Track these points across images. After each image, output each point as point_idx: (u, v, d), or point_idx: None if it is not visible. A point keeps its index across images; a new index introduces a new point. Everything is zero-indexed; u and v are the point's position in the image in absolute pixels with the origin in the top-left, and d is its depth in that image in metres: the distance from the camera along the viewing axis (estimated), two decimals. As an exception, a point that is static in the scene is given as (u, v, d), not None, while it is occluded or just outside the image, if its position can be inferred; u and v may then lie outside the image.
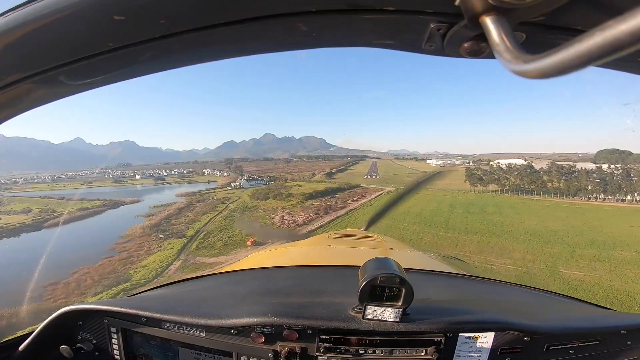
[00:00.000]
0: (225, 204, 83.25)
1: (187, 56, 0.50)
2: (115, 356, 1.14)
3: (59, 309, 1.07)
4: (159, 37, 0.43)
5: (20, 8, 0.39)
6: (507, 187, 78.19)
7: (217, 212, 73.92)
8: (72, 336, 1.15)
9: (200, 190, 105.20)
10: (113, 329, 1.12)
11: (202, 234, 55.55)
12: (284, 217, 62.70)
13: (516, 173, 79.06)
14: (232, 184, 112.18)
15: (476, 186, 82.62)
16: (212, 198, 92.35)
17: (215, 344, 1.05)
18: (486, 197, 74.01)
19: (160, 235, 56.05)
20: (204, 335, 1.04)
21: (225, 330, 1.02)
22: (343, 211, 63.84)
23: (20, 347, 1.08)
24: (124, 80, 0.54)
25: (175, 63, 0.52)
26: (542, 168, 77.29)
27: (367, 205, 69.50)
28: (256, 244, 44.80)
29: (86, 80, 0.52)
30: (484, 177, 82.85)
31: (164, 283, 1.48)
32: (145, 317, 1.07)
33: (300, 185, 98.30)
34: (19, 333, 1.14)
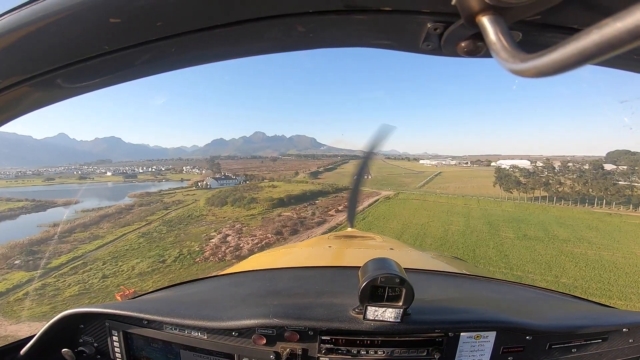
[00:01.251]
0: (169, 211, 60.28)
1: (184, 58, 0.50)
2: (117, 359, 1.15)
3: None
4: (156, 39, 0.43)
5: (16, 11, 0.39)
6: (560, 194, 55.49)
7: (144, 224, 50.65)
8: (73, 339, 1.15)
9: (160, 190, 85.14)
10: (114, 332, 1.12)
11: (69, 267, 32.12)
12: (227, 238, 39.32)
13: (575, 176, 56.27)
14: (199, 184, 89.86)
15: (511, 192, 60.12)
16: (162, 201, 70.08)
17: (216, 346, 1.05)
18: (534, 209, 51.32)
19: (17, 262, 34.77)
20: (205, 337, 1.05)
21: (226, 332, 1.03)
22: (320, 228, 40.31)
23: (22, 351, 1.08)
24: (122, 82, 0.54)
25: (172, 65, 0.51)
26: (615, 169, 54.96)
27: (357, 219, 46.43)
28: (136, 296, 22.40)
29: (84, 82, 0.51)
30: (523, 181, 60.13)
31: (165, 285, 1.48)
32: (146, 319, 1.07)
33: (275, 187, 75.45)
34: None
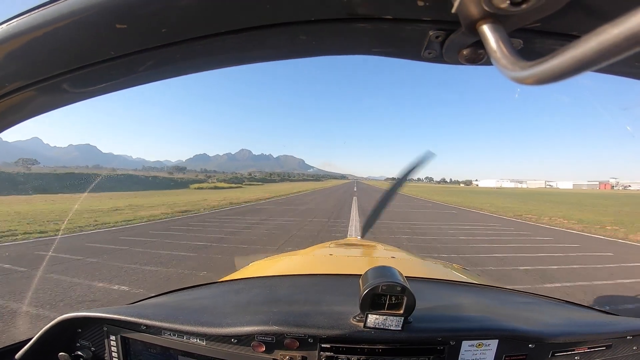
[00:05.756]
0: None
1: (188, 64, 0.51)
2: None
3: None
4: (161, 45, 0.44)
5: (24, 15, 0.39)
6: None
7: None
8: (71, 343, 1.12)
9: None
10: (112, 337, 1.09)
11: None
12: None
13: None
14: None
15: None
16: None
17: (215, 352, 1.02)
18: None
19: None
20: (204, 344, 1.02)
21: (225, 339, 1.01)
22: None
23: (17, 355, 1.05)
24: (125, 88, 0.56)
25: (176, 71, 0.53)
26: None
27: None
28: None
29: (89, 87, 0.53)
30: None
31: (164, 291, 1.46)
32: (144, 324, 1.04)
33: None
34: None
